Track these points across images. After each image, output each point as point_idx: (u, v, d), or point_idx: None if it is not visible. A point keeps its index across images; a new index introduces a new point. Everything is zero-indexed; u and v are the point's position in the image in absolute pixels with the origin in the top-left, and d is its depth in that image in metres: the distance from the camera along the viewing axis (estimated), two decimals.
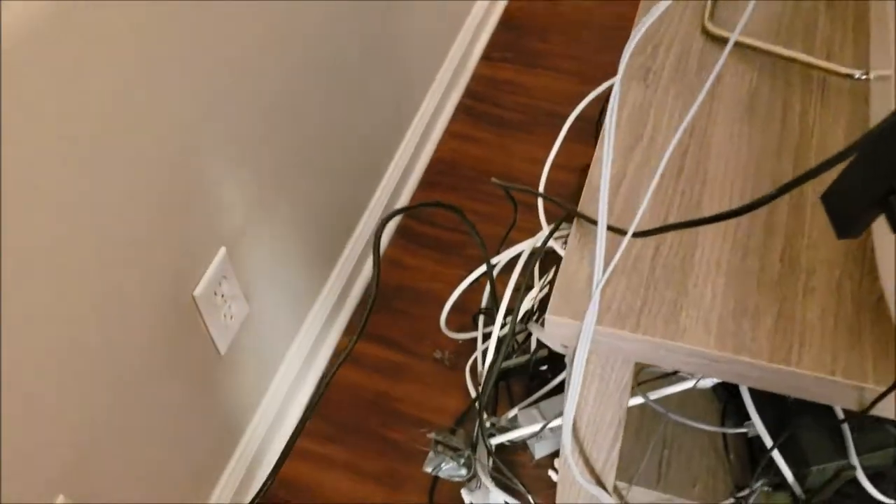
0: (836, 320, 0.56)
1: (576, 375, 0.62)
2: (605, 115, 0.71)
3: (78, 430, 0.73)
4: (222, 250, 0.89)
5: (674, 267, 0.60)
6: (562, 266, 0.61)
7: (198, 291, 0.86)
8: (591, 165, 0.69)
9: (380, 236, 0.79)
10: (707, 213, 0.63)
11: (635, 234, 0.54)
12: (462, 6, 1.61)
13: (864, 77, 0.71)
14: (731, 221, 0.62)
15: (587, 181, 0.68)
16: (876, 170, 0.42)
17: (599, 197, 0.53)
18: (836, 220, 0.45)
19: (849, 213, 0.44)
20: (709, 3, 0.80)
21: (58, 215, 0.66)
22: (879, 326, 0.55)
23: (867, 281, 0.58)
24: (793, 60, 0.74)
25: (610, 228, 0.56)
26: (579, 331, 0.58)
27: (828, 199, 0.46)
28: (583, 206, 0.65)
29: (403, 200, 1.45)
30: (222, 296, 0.90)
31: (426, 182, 1.50)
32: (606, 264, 0.56)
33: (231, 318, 0.93)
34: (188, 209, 0.82)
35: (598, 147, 0.70)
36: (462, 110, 1.60)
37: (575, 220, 0.64)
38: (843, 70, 0.72)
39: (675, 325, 0.57)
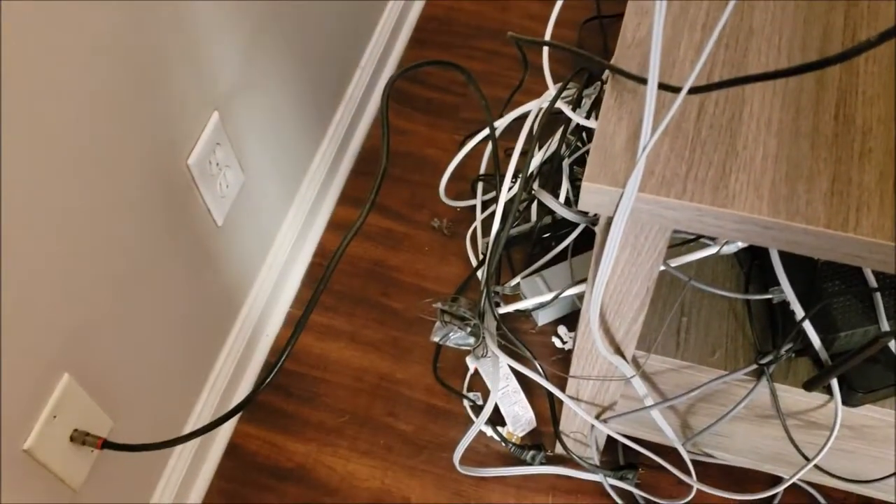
0: (895, 183, 0.52)
1: (610, 246, 0.59)
2: None
3: (81, 308, 0.69)
4: (215, 115, 0.83)
5: (721, 127, 0.56)
6: (597, 129, 0.56)
7: (192, 160, 0.80)
8: (625, 20, 0.63)
9: (388, 100, 0.73)
10: (754, 67, 0.58)
11: (690, 91, 0.49)
12: None
13: None
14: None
15: (620, 36, 0.62)
16: None
17: (651, 50, 0.47)
18: None
19: None
20: None
21: (44, 78, 0.59)
22: None
23: None
24: None
25: (660, 86, 0.51)
26: (618, 198, 0.54)
27: None
28: (617, 63, 0.59)
29: (394, 60, 1.37)
30: (217, 164, 0.85)
31: (417, 40, 1.41)
32: (654, 125, 0.51)
33: (227, 186, 0.88)
34: (177, 67, 0.75)
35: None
36: None
37: (611, 78, 0.59)
38: None
39: (725, 191, 0.53)
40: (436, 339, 0.92)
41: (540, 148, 1.15)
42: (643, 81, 0.53)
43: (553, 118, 1.01)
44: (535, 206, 1.15)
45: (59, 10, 0.60)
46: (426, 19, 1.44)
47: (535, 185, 1.12)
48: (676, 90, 0.50)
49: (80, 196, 0.66)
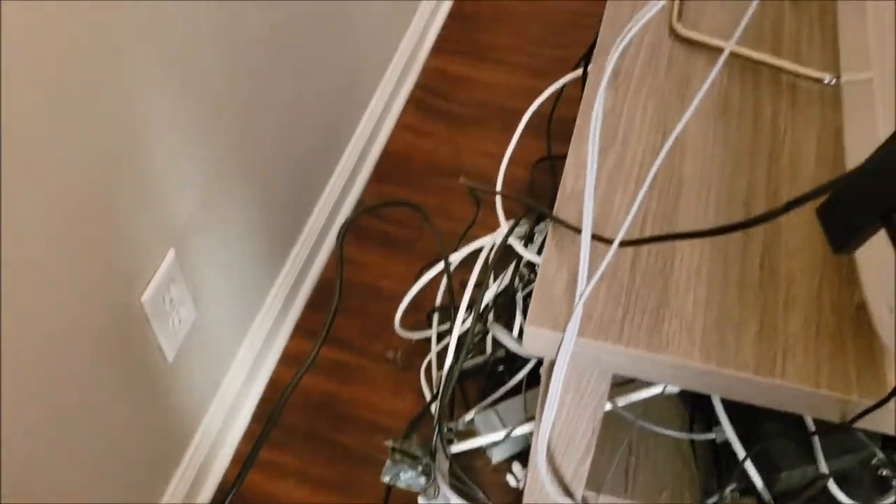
0: (818, 330, 0.55)
1: (554, 389, 0.60)
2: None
3: (20, 440, 0.68)
4: (171, 252, 0.84)
5: (654, 274, 0.58)
6: (539, 274, 0.59)
7: (146, 297, 0.81)
8: (564, 171, 0.67)
9: (343, 240, 0.75)
10: (683, 218, 0.62)
11: (621, 244, 0.52)
12: None
13: (833, 82, 0.71)
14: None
15: (560, 187, 0.65)
16: (878, 187, 0.41)
17: (584, 205, 0.51)
18: (832, 234, 0.44)
19: (847, 228, 0.43)
20: (676, 3, 0.78)
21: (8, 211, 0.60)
22: (861, 337, 0.55)
23: (846, 290, 0.57)
24: (761, 63, 0.73)
25: (595, 237, 0.54)
26: (559, 342, 0.56)
27: (824, 213, 0.44)
28: (557, 212, 0.63)
29: (354, 195, 1.41)
30: (171, 301, 0.85)
31: (377, 176, 1.46)
32: (590, 274, 0.54)
33: (179, 322, 0.89)
34: (136, 206, 0.77)
35: (570, 153, 0.68)
36: (413, 103, 1.57)
37: (551, 226, 0.62)
38: (812, 74, 0.72)
39: (659, 336, 0.55)
40: (386, 478, 0.91)
41: (495, 280, 1.18)
42: (579, 232, 0.56)
43: (507, 250, 1.05)
44: (490, 337, 1.16)
45: (26, 146, 0.62)
46: (387, 156, 1.49)
47: (490, 318, 1.14)
48: (609, 242, 0.53)
49: (28, 326, 0.66)
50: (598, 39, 0.75)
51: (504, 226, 1.12)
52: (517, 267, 1.16)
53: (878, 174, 0.40)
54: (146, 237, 0.80)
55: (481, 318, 1.09)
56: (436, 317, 1.21)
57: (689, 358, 0.54)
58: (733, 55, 0.73)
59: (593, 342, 0.55)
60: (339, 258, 0.74)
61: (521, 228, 1.19)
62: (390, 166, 1.48)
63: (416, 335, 1.22)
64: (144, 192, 0.78)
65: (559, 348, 0.56)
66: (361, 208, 0.74)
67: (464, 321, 1.00)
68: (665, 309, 0.57)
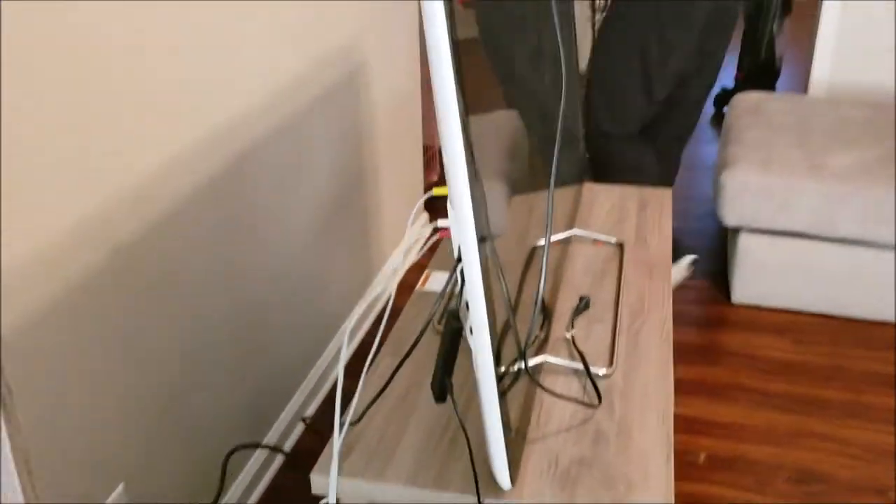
0: (477, 466, 1.00)
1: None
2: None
3: None
4: (120, 486, 1.26)
5: (389, 442, 1.04)
6: (326, 448, 1.04)
7: None
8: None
9: (226, 463, 1.18)
10: (415, 419, 1.09)
11: (351, 423, 0.99)
12: (324, 335, 2.13)
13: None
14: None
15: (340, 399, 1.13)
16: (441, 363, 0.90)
17: (336, 406, 0.98)
18: (434, 393, 0.92)
19: (438, 387, 0.91)
20: (439, 308, 1.32)
21: None
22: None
23: None
24: None
25: (350, 424, 1.01)
26: (327, 481, 0.99)
27: (432, 384, 0.93)
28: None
29: (266, 480, 1.82)
30: None
31: (287, 465, 1.88)
32: (341, 437, 0.99)
33: None
34: (91, 447, 1.22)
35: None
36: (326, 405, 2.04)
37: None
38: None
39: (383, 476, 0.99)
40: None
41: None
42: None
43: None
44: None
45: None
46: (300, 445, 1.93)
47: None
48: (353, 424, 1.00)
49: None
50: (403, 315, 1.27)
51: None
52: None
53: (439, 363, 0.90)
54: (100, 469, 1.23)
55: None
56: None
57: (400, 484, 0.97)
58: None
59: (346, 479, 0.99)
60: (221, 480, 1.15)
61: None
62: (304, 456, 1.91)
63: None
64: (107, 443, 1.23)
65: (329, 485, 0.99)
66: (240, 445, 1.13)
67: None
68: (389, 462, 1.01)
